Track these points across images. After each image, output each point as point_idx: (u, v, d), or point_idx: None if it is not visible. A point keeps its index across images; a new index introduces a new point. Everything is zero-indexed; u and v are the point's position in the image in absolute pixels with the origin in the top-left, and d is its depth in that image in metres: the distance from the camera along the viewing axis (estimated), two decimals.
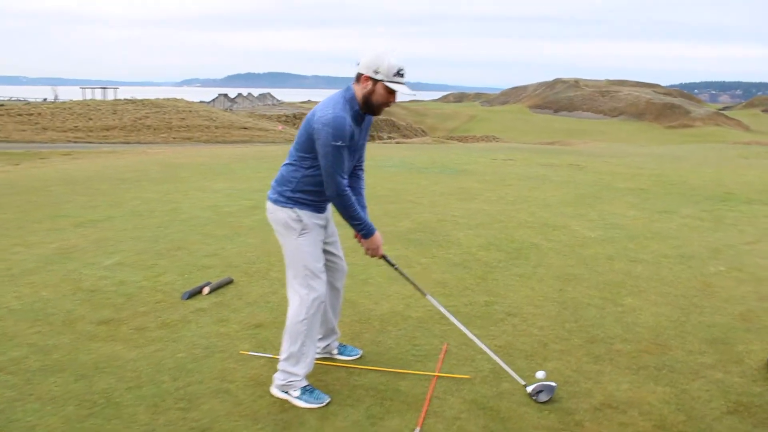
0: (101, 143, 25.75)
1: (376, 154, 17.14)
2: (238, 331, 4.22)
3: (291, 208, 3.22)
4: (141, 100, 36.07)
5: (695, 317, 4.61)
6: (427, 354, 3.91)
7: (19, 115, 30.30)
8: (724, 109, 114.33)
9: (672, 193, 10.43)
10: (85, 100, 38.30)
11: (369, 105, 3.13)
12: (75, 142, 25.70)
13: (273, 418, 3.13)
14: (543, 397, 3.28)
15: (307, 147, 3.13)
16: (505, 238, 6.88)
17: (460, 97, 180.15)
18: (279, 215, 3.25)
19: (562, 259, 6.10)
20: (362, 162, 3.48)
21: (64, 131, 28.32)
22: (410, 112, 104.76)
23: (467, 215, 8.12)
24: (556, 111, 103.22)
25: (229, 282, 5.21)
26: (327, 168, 3.09)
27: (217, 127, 33.01)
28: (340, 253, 3.61)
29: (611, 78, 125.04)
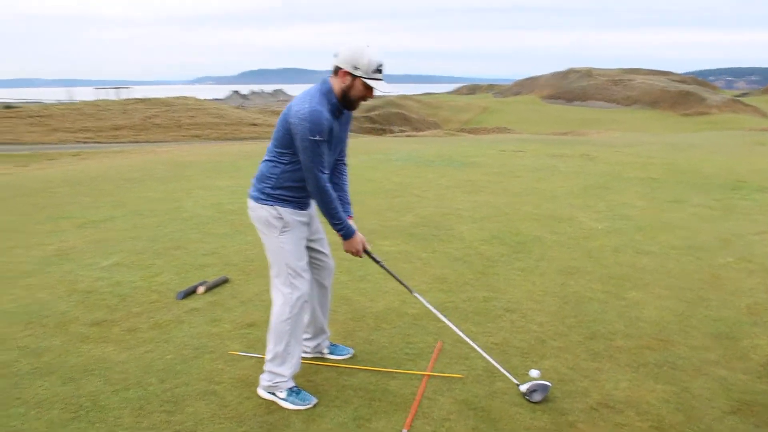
0: (111, 143, 25.85)
1: (383, 148, 17.05)
2: (230, 331, 4.16)
3: (272, 205, 3.14)
4: (151, 99, 36.19)
5: (701, 311, 4.48)
6: (421, 352, 3.82)
7: (30, 117, 30.50)
8: (741, 95, 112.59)
9: (683, 182, 10.23)
10: (95, 100, 38.46)
11: (347, 100, 3.04)
12: (84, 142, 25.84)
13: (258, 420, 3.06)
14: (537, 397, 3.18)
15: (285, 142, 3.05)
16: (508, 231, 6.76)
17: (473, 89, 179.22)
18: (260, 213, 3.18)
19: (567, 251, 5.98)
20: (344, 156, 3.39)
21: (74, 132, 28.46)
22: (423, 105, 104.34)
23: (472, 208, 8.01)
24: (569, 101, 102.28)
25: (225, 281, 5.15)
26: (306, 163, 3.00)
27: (226, 125, 33.02)
28: (327, 250, 3.52)
29: (624, 67, 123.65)
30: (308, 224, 3.30)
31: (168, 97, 36.93)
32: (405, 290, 4.84)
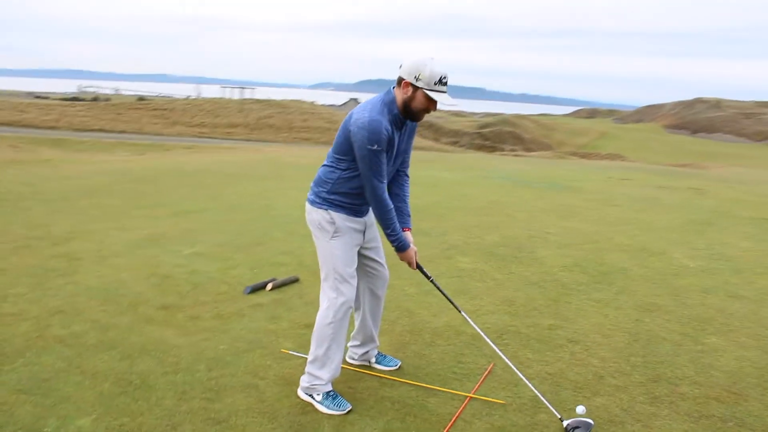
0: (224, 139, 27.19)
1: (486, 165, 16.87)
2: (287, 330, 4.23)
3: (326, 209, 3.17)
4: (267, 100, 37.74)
5: None
6: (470, 373, 3.72)
7: (155, 109, 32.76)
8: None
9: None
10: (215, 98, 40.66)
11: (408, 111, 3.02)
12: (200, 137, 27.37)
13: (290, 419, 3.09)
14: None
15: (344, 149, 3.07)
16: (593, 260, 6.47)
17: (592, 113, 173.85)
18: (314, 216, 3.22)
19: (650, 287, 5.63)
20: (406, 167, 3.37)
21: (192, 126, 30.23)
22: (539, 125, 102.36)
23: (560, 233, 7.74)
24: (693, 132, 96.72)
25: (295, 281, 5.25)
26: (364, 172, 3.01)
27: (336, 130, 33.78)
28: (382, 260, 3.50)
29: (759, 99, 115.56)
30: (362, 232, 3.30)
31: (284, 100, 38.39)
32: (469, 310, 4.78)
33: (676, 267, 6.42)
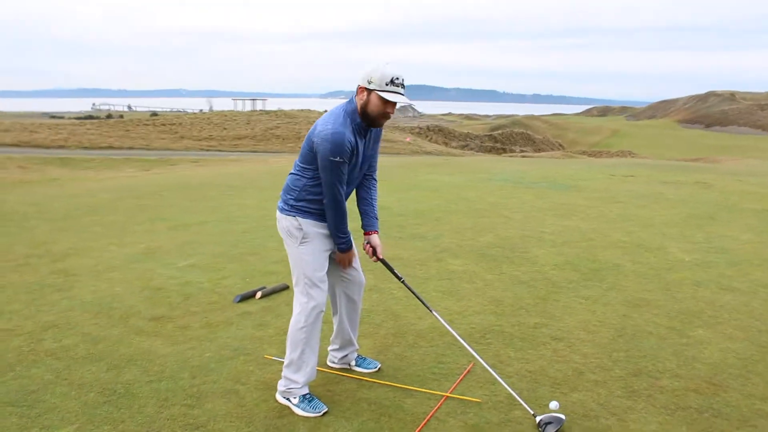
0: (231, 152, 27.45)
1: (489, 168, 16.87)
2: (273, 336, 4.30)
3: (294, 216, 3.24)
4: (275, 111, 38.03)
5: None
6: (448, 373, 3.76)
7: (163, 124, 33.17)
8: None
9: None
10: (223, 111, 41.08)
11: (366, 116, 3.08)
12: (207, 150, 27.67)
13: (266, 423, 3.15)
14: (550, 430, 3.04)
15: (309, 158, 3.14)
16: (586, 258, 6.48)
17: (604, 111, 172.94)
18: (283, 223, 3.29)
19: (642, 283, 5.64)
20: (373, 171, 3.44)
21: (199, 140, 30.57)
22: (550, 125, 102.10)
23: (556, 232, 7.75)
24: (707, 126, 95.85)
25: (284, 288, 5.32)
26: (326, 180, 3.08)
27: None
28: (357, 265, 3.56)
29: None
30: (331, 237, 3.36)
31: (293, 110, 38.67)
32: (455, 311, 4.83)
33: (671, 261, 6.42)
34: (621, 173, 15.17)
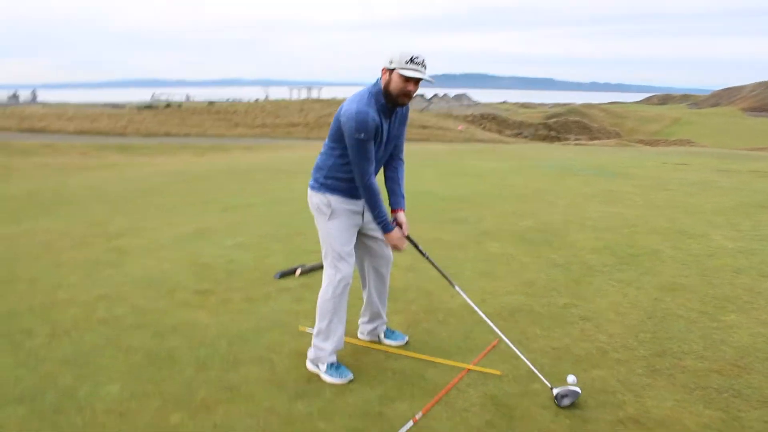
0: (283, 139, 27.97)
1: (538, 155, 16.75)
2: (309, 310, 4.49)
3: (323, 193, 3.42)
4: (328, 100, 38.49)
5: None
6: (474, 348, 3.88)
7: (218, 112, 34.03)
8: None
9: None
10: (277, 99, 41.81)
11: (389, 96, 3.22)
12: (260, 137, 28.25)
13: (295, 387, 3.35)
14: (565, 402, 3.14)
15: (336, 137, 3.30)
16: (625, 243, 6.46)
17: (665, 99, 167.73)
18: (313, 200, 3.47)
19: (679, 268, 5.60)
20: (400, 152, 3.56)
21: (253, 127, 31.26)
22: (608, 114, 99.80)
23: (599, 218, 7.72)
24: None
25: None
26: (353, 158, 3.24)
27: None
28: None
29: None
30: (360, 213, 3.51)
31: (345, 98, 38.96)
32: (488, 291, 4.94)
33: (713, 248, 6.34)
34: (674, 161, 14.85)
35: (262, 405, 3.16)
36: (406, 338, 3.94)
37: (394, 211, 3.62)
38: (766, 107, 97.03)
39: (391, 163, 3.55)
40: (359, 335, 3.99)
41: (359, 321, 3.97)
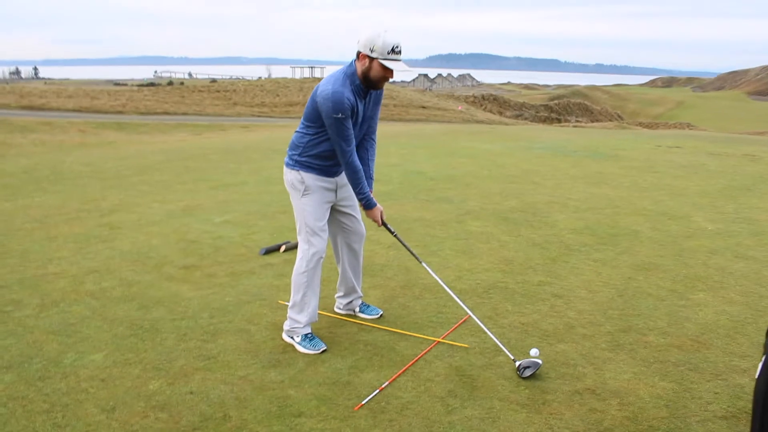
0: (282, 118, 28.02)
1: (532, 136, 16.81)
2: (289, 285, 4.62)
3: (297, 170, 3.54)
4: None
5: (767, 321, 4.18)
6: (444, 322, 4.03)
7: (217, 91, 34.06)
8: None
9: None
10: (277, 78, 41.78)
11: (368, 80, 3.33)
12: (258, 116, 28.33)
13: (270, 357, 3.50)
14: (527, 373, 3.28)
15: (312, 117, 3.42)
16: (606, 224, 6.60)
17: (669, 82, 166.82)
18: (287, 177, 3.60)
19: (656, 248, 5.74)
20: (372, 133, 3.67)
21: (251, 106, 31.31)
22: (611, 96, 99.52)
23: (582, 199, 7.85)
24: None
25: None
26: (333, 137, 3.36)
27: (395, 106, 34.23)
28: (358, 215, 3.84)
29: None
30: (333, 191, 3.64)
31: None
32: (465, 268, 5.08)
33: (692, 230, 6.47)
34: (667, 144, 14.92)
35: (237, 373, 3.32)
36: (381, 312, 4.09)
37: None
38: None
39: (363, 143, 3.66)
40: (336, 309, 4.14)
41: (335, 296, 4.12)
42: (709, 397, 3.16)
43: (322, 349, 3.56)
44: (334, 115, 3.27)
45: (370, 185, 3.66)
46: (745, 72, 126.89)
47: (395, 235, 3.76)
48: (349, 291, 4.02)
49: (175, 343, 3.66)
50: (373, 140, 3.71)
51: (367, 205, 3.57)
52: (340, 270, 3.98)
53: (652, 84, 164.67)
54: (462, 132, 19.17)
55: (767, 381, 2.30)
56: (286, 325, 3.68)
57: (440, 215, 6.86)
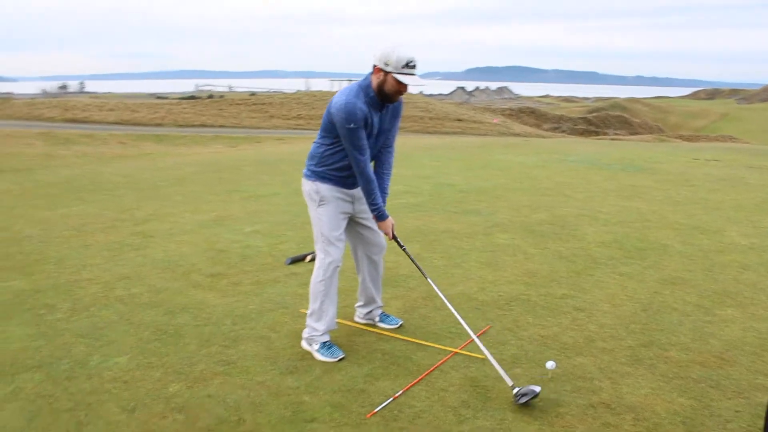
0: (317, 130, 28.21)
1: (566, 149, 16.68)
2: None
3: (313, 181, 3.62)
4: None
5: None
6: (464, 333, 3.97)
7: (254, 104, 34.61)
8: None
9: None
10: (314, 91, 42.27)
11: (383, 94, 3.39)
12: (294, 129, 28.69)
13: (288, 364, 3.57)
14: (523, 401, 3.13)
15: (328, 128, 3.50)
16: (635, 237, 6.51)
17: (713, 94, 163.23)
18: (305, 187, 3.68)
19: (685, 263, 5.65)
20: (389, 146, 3.69)
21: (288, 119, 31.74)
22: (652, 109, 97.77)
23: (613, 212, 7.76)
24: None
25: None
26: (347, 148, 3.43)
27: (431, 118, 34.29)
28: (376, 228, 3.85)
29: None
30: (350, 202, 3.69)
31: None
32: (488, 280, 5.08)
33: (725, 245, 6.35)
34: (705, 157, 14.63)
35: (255, 378, 3.39)
36: (401, 322, 4.12)
37: None
38: None
39: (380, 156, 3.69)
40: (356, 318, 4.19)
41: (355, 305, 4.17)
42: (729, 415, 3.10)
43: (339, 357, 3.61)
44: (347, 126, 3.34)
45: (384, 199, 3.67)
46: None
47: (404, 250, 3.79)
48: (369, 301, 4.06)
49: (197, 348, 3.75)
50: (390, 153, 3.73)
51: (380, 216, 3.60)
52: (360, 280, 4.03)
53: (694, 96, 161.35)
54: (496, 144, 19.11)
55: None
56: (305, 333, 3.74)
57: (468, 227, 6.86)
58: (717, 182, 10.56)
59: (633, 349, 3.84)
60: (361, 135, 3.39)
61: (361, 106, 3.35)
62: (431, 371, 3.49)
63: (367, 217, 3.82)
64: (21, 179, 10.84)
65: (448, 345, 3.85)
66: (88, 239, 6.29)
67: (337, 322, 3.85)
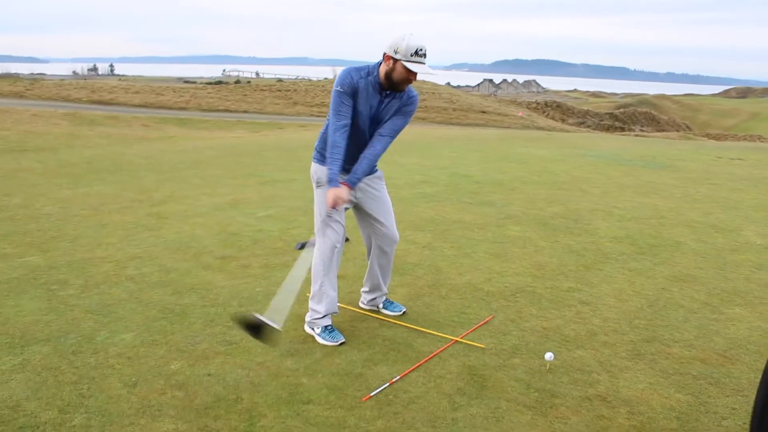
0: None
1: (588, 144, 16.53)
2: None
3: (314, 162, 3.69)
4: None
5: None
6: (466, 322, 4.05)
7: (279, 90, 34.74)
8: None
9: None
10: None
11: (390, 81, 3.40)
12: (317, 116, 28.72)
13: (289, 346, 3.62)
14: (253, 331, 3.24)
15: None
16: (649, 234, 6.46)
17: (745, 92, 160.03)
18: (311, 170, 3.74)
19: (697, 261, 5.60)
20: (384, 135, 3.60)
21: (311, 106, 31.79)
22: (681, 106, 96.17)
23: (629, 208, 7.70)
24: None
25: (345, 240, 5.76)
26: (330, 110, 3.50)
27: (454, 110, 34.11)
28: (389, 222, 3.85)
29: None
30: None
31: None
32: (495, 271, 5.09)
33: (740, 243, 6.27)
34: (729, 156, 14.41)
35: (256, 359, 3.44)
36: (404, 309, 4.15)
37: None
38: None
39: (371, 141, 3.61)
40: (360, 304, 4.22)
41: (361, 290, 4.21)
42: (725, 413, 3.09)
43: (340, 341, 3.65)
44: (336, 88, 3.43)
45: (350, 178, 3.54)
46: None
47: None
48: (374, 288, 4.09)
49: (202, 328, 3.82)
50: (380, 141, 3.58)
51: (329, 182, 3.47)
52: (369, 265, 4.05)
53: (725, 94, 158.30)
54: (518, 137, 19.00)
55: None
56: (308, 317, 3.79)
57: (480, 218, 6.86)
58: (739, 181, 10.41)
59: (635, 344, 3.82)
60: (344, 101, 3.41)
61: (356, 77, 3.42)
62: (430, 358, 3.52)
63: (377, 210, 3.83)
64: (45, 158, 11.05)
65: (449, 333, 3.86)
66: (104, 219, 6.41)
67: (339, 306, 3.89)
